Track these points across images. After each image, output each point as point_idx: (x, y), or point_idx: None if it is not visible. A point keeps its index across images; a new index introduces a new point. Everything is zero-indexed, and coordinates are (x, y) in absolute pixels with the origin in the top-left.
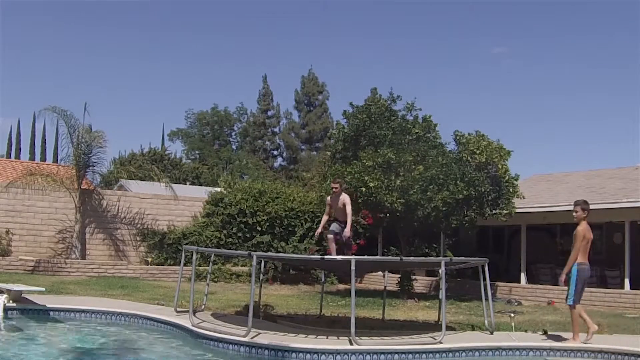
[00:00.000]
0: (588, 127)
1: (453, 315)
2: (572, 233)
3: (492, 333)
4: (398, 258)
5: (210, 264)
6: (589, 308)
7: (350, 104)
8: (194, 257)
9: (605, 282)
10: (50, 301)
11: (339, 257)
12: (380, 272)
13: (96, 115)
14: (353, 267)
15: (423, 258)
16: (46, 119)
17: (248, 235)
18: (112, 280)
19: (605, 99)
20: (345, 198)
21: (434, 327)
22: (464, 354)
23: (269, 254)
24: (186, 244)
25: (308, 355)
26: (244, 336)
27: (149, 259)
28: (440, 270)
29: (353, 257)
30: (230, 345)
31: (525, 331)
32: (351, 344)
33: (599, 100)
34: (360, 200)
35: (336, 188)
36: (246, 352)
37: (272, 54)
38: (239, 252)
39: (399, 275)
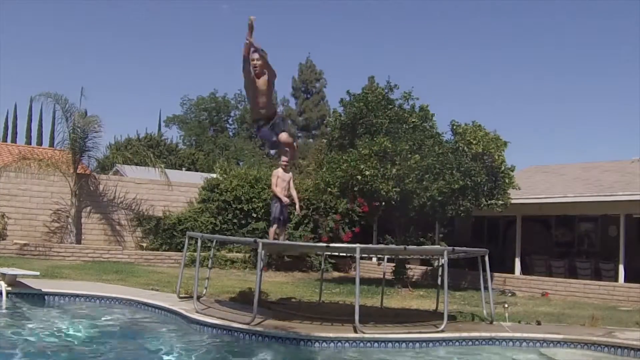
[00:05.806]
0: (586, 120)
1: (448, 305)
2: (567, 225)
3: (491, 322)
4: (402, 247)
5: (213, 250)
6: (582, 300)
7: (348, 92)
8: (199, 243)
9: (599, 275)
10: (45, 285)
11: (343, 245)
12: (374, 260)
13: (93, 100)
14: (358, 255)
15: (425, 247)
16: (42, 104)
17: (243, 222)
18: (107, 265)
19: (604, 95)
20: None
21: (433, 315)
22: (470, 342)
23: (275, 241)
24: (181, 229)
25: (317, 344)
26: (249, 323)
27: (144, 244)
28: (442, 260)
29: (358, 245)
30: (235, 333)
31: (519, 322)
32: (355, 332)
33: (598, 95)
34: (355, 189)
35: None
36: (253, 339)
37: (270, 41)
38: (245, 239)
39: (394, 264)
